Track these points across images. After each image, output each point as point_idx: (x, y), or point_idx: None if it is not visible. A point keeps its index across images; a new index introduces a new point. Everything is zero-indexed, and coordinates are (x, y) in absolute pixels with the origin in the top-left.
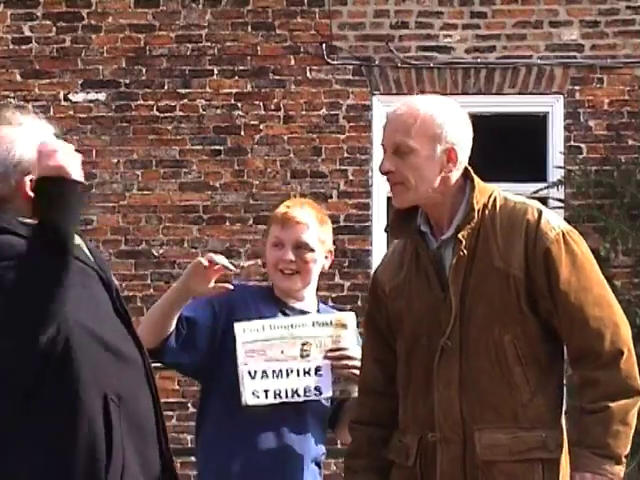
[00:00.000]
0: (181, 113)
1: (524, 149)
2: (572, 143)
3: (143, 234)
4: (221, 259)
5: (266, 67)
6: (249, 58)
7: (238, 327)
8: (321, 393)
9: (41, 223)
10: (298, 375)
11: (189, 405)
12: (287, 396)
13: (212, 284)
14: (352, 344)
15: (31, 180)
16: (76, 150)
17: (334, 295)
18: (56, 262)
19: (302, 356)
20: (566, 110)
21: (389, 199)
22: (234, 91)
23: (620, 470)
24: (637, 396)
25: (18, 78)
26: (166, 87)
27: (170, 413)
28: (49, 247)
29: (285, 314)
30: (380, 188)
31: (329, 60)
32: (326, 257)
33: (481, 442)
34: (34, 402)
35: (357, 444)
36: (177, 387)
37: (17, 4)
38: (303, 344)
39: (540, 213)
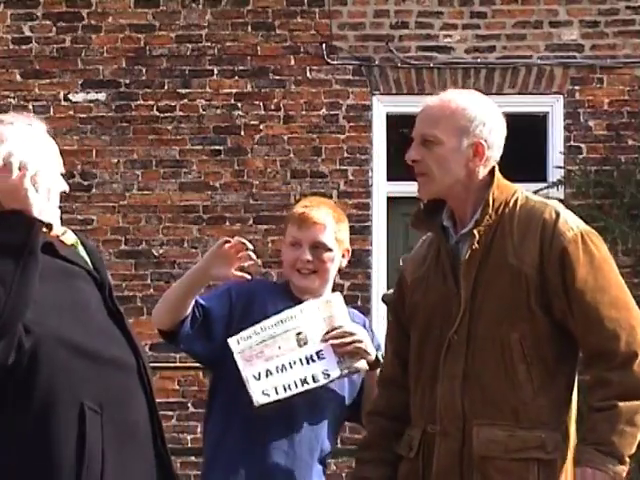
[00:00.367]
0: (181, 113)
1: (524, 149)
2: (572, 143)
3: (143, 234)
4: (248, 244)
5: (266, 67)
6: (249, 58)
7: (232, 341)
8: (329, 376)
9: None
10: (302, 364)
11: (189, 405)
12: (297, 386)
13: (232, 271)
14: (346, 321)
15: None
16: (75, 150)
17: None
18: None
19: (300, 345)
20: (566, 110)
21: (389, 199)
22: (234, 91)
23: (623, 470)
24: None
25: (18, 78)
26: (166, 87)
27: (170, 413)
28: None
29: None
30: (380, 188)
31: (329, 60)
32: (343, 255)
33: (479, 437)
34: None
35: (370, 436)
36: (177, 387)
37: (17, 4)
38: (298, 334)
39: (558, 213)
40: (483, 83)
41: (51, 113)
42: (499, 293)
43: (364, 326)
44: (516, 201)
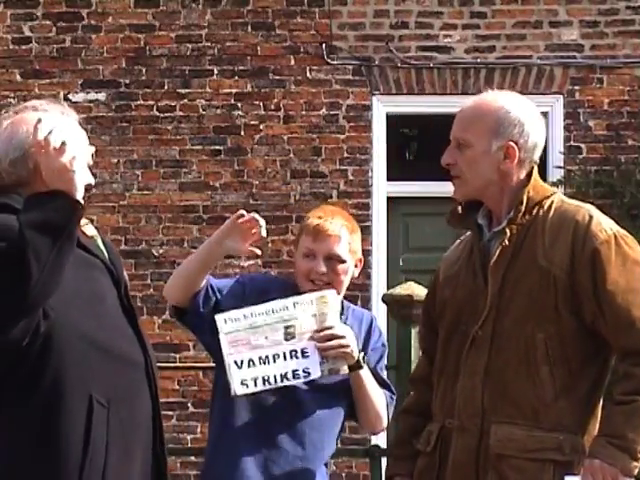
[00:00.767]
0: (181, 113)
1: None
2: (572, 143)
3: (143, 234)
4: (261, 221)
5: (266, 67)
6: (249, 58)
7: (219, 318)
8: (310, 374)
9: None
10: (285, 359)
11: (189, 405)
12: (276, 381)
13: (246, 245)
14: (336, 321)
15: None
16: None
17: None
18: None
19: (287, 339)
20: (566, 110)
21: (389, 199)
22: (234, 91)
23: (635, 466)
24: None
25: (18, 78)
26: (166, 87)
27: (170, 413)
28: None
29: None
30: (380, 188)
31: (329, 60)
32: (356, 265)
33: (497, 435)
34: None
35: (400, 433)
36: (177, 387)
37: (17, 4)
38: (287, 327)
39: (592, 216)
40: (483, 83)
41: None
42: (527, 292)
43: (371, 325)
44: (551, 203)
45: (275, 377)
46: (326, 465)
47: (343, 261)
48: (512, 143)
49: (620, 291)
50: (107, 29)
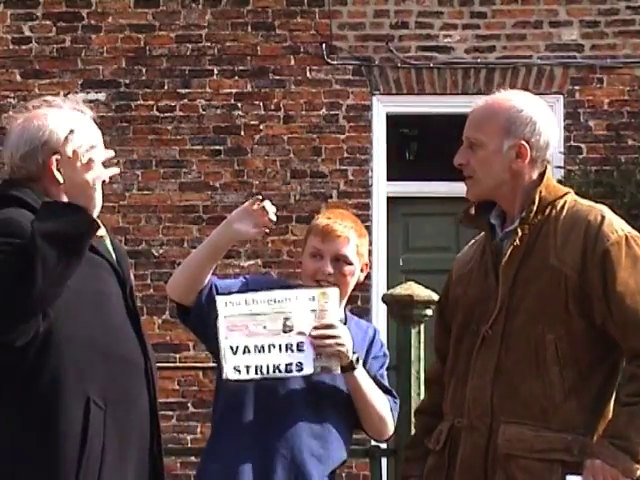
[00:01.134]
0: (181, 113)
1: None
2: (572, 143)
3: (143, 234)
4: (270, 208)
5: (266, 67)
6: (249, 58)
7: (220, 300)
8: (302, 369)
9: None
10: (280, 350)
11: (189, 405)
12: (269, 372)
13: (255, 230)
14: (335, 319)
15: (57, 160)
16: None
17: None
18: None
19: (284, 331)
20: (566, 110)
21: (389, 199)
22: (234, 91)
23: (637, 468)
24: None
25: (18, 78)
26: (166, 87)
27: (170, 413)
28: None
29: None
30: (380, 188)
31: (329, 60)
32: (362, 270)
33: (505, 435)
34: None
35: (415, 434)
36: (177, 387)
37: (17, 4)
38: (286, 319)
39: (604, 216)
40: (483, 83)
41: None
42: (537, 292)
43: (374, 337)
44: (564, 203)
45: (268, 367)
46: (333, 474)
47: (350, 263)
48: (524, 142)
49: (630, 292)
50: (107, 29)
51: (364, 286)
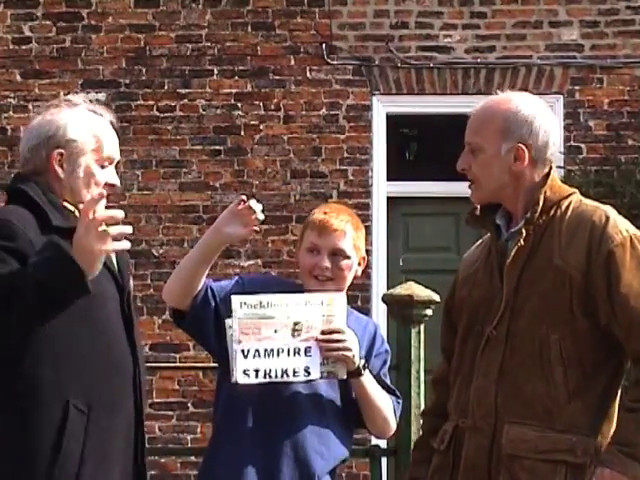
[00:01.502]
0: (181, 113)
1: None
2: (572, 143)
3: (143, 234)
4: (256, 207)
5: (266, 67)
6: (249, 58)
7: (235, 300)
8: (309, 374)
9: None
10: (288, 355)
11: (189, 405)
12: (277, 376)
13: (246, 230)
14: (343, 324)
15: (60, 154)
16: None
17: None
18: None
19: (293, 336)
20: (566, 110)
21: (389, 199)
22: (234, 91)
23: None
24: None
25: (18, 78)
26: (166, 87)
27: (170, 413)
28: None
29: None
30: (380, 188)
31: (329, 60)
32: (359, 263)
33: (509, 435)
34: None
35: (422, 435)
36: (177, 387)
37: (17, 4)
38: (295, 323)
39: (608, 217)
40: (483, 83)
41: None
42: (542, 293)
43: (375, 332)
44: (569, 203)
45: (276, 372)
46: (334, 472)
47: (347, 257)
48: (521, 145)
49: (634, 294)
50: (107, 29)
51: (364, 286)
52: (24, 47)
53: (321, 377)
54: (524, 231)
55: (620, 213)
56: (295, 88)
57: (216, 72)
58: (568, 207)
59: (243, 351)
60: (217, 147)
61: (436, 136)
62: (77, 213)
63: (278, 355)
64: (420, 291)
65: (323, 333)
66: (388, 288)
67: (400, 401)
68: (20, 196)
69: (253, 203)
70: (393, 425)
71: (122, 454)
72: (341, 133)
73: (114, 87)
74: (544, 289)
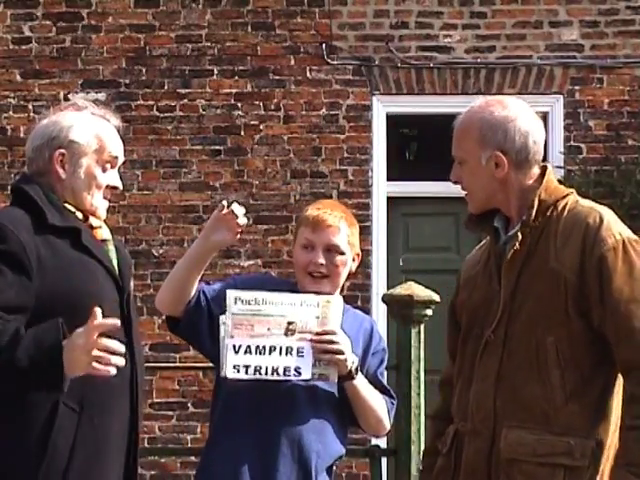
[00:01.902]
0: (181, 113)
1: None
2: (572, 143)
3: (143, 234)
4: (239, 211)
5: (266, 67)
6: (249, 58)
7: (231, 295)
8: (300, 374)
9: None
10: (280, 354)
11: (189, 405)
12: (267, 373)
13: (232, 234)
14: (337, 327)
15: (62, 154)
16: None
17: None
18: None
19: (286, 335)
20: (566, 110)
21: (389, 199)
22: (234, 91)
23: None
24: None
25: (18, 78)
26: (166, 87)
27: (170, 413)
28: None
29: None
30: (380, 188)
31: (329, 60)
32: (353, 259)
33: (507, 439)
34: None
35: (429, 440)
36: (177, 387)
37: (17, 4)
38: (289, 323)
39: (602, 219)
40: (483, 83)
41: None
42: (537, 295)
43: (372, 329)
44: (565, 205)
45: (267, 369)
46: (331, 469)
47: (342, 252)
48: (498, 152)
49: (623, 300)
50: (107, 29)
51: (364, 286)
52: (24, 47)
53: (312, 378)
54: (520, 235)
55: (620, 213)
56: (295, 88)
57: (216, 72)
58: (564, 208)
59: (234, 346)
60: (217, 147)
61: (436, 136)
62: (78, 214)
63: (270, 353)
64: (420, 291)
65: (317, 334)
66: (388, 288)
67: (395, 401)
68: (21, 196)
69: (235, 207)
70: (387, 425)
71: (117, 453)
72: (341, 133)
73: (114, 87)
74: (540, 292)
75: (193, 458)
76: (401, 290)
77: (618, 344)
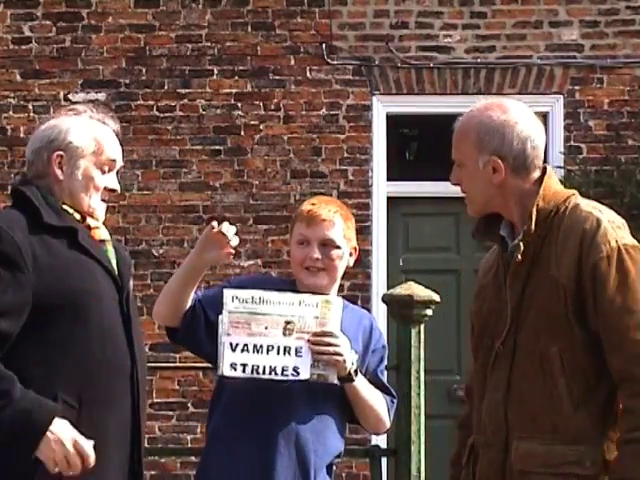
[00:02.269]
0: (181, 113)
1: None
2: (572, 143)
3: (143, 234)
4: (229, 231)
5: (266, 67)
6: (249, 58)
7: (228, 294)
8: (298, 374)
9: None
10: (278, 353)
11: (189, 405)
12: (264, 372)
13: (224, 252)
14: (337, 328)
15: (60, 156)
16: None
17: None
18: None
19: (285, 334)
20: (566, 110)
21: (389, 199)
22: (234, 91)
23: None
24: None
25: (18, 78)
26: (166, 87)
27: (170, 413)
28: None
29: None
30: (380, 188)
31: (329, 60)
32: (350, 254)
33: (518, 451)
34: None
35: (455, 450)
36: (177, 387)
37: (17, 4)
38: (287, 322)
39: (599, 225)
40: (483, 83)
41: (51, 113)
42: (540, 305)
43: (372, 325)
44: (566, 208)
45: (264, 368)
46: (331, 468)
47: (338, 246)
48: (495, 157)
49: (615, 310)
50: (107, 29)
51: (364, 286)
52: (24, 47)
53: (310, 379)
54: (522, 245)
55: (620, 213)
56: (295, 88)
57: (216, 72)
58: (565, 213)
59: (232, 344)
60: (217, 147)
61: (436, 136)
62: (76, 215)
63: (267, 352)
64: (420, 291)
65: (315, 335)
66: (388, 288)
67: (395, 400)
68: (19, 198)
69: (225, 227)
70: (387, 423)
71: (117, 452)
72: (341, 133)
73: (114, 87)
74: (542, 300)
75: (193, 458)
76: (401, 290)
77: (610, 354)
